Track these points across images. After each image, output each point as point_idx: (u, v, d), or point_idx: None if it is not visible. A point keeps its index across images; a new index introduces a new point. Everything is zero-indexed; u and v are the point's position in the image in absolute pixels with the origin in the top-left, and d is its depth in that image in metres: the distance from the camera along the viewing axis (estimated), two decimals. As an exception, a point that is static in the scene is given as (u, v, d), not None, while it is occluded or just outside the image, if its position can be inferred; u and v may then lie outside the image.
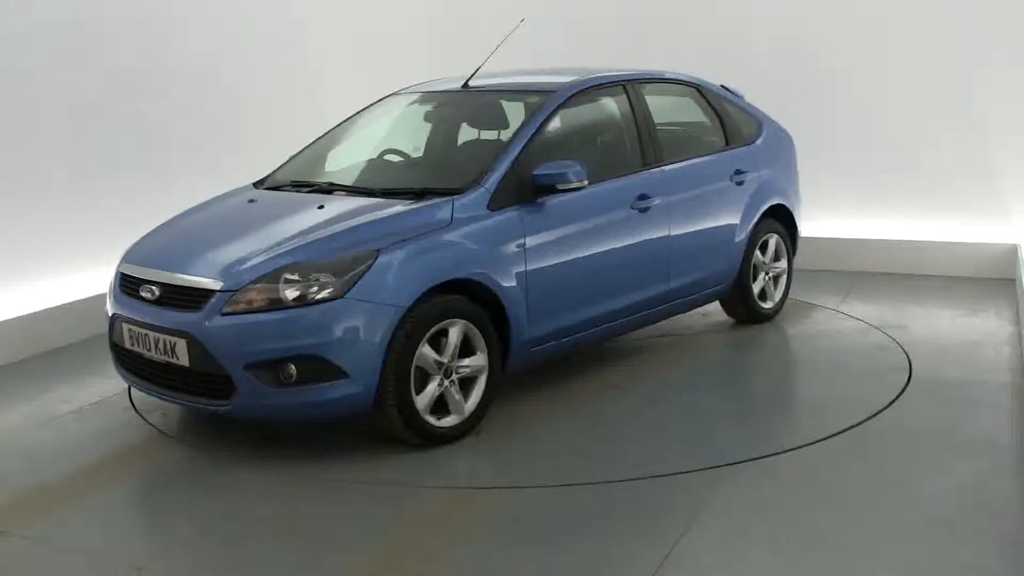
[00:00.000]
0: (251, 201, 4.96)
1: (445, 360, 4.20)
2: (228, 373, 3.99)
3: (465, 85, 5.46)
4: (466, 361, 4.30)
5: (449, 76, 5.82)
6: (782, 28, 7.47)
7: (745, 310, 5.94)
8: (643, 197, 5.08)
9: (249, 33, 7.88)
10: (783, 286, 6.17)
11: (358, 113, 5.81)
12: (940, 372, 5.08)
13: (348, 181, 5.05)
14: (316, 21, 8.61)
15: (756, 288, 5.92)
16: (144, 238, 4.90)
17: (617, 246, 4.97)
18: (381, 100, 5.84)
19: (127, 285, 4.51)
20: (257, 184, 5.31)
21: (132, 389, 5.08)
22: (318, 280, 3.98)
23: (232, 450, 4.34)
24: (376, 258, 4.05)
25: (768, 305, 6.04)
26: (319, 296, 3.95)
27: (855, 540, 3.37)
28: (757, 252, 5.86)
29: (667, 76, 5.78)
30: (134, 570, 3.32)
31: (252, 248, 4.23)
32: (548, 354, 4.85)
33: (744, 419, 4.68)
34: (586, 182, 4.59)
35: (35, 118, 6.16)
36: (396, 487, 3.91)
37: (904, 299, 6.54)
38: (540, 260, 4.57)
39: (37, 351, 5.92)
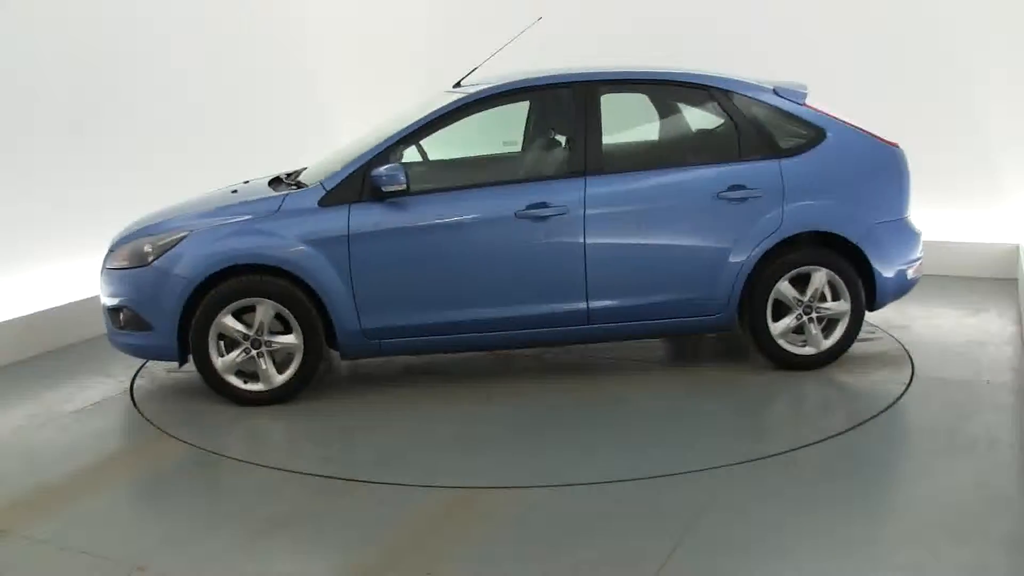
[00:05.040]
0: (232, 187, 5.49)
1: (250, 333, 4.71)
2: (106, 310, 5.05)
3: (457, 84, 5.45)
4: (280, 339, 4.76)
5: (532, 69, 5.40)
6: (782, 28, 7.47)
7: (764, 351, 5.13)
8: (538, 206, 4.79)
9: (249, 33, 7.88)
10: (839, 333, 5.08)
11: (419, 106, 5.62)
12: (942, 372, 5.07)
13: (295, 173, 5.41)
14: (316, 21, 8.61)
15: (779, 327, 5.03)
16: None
17: (485, 252, 4.84)
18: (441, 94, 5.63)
19: None
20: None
21: (133, 388, 5.16)
22: (148, 248, 4.80)
23: (232, 450, 4.34)
24: (185, 236, 4.75)
25: (805, 351, 5.09)
26: (143, 262, 4.79)
27: (856, 540, 3.37)
28: (784, 285, 5.00)
29: (672, 77, 5.16)
30: (134, 570, 3.32)
31: (155, 220, 5.04)
32: (406, 348, 4.98)
33: (745, 419, 4.68)
34: (404, 186, 4.70)
35: (36, 116, 6.15)
36: (398, 487, 3.91)
37: (905, 299, 6.50)
38: (370, 257, 4.76)
39: (37, 351, 5.92)
